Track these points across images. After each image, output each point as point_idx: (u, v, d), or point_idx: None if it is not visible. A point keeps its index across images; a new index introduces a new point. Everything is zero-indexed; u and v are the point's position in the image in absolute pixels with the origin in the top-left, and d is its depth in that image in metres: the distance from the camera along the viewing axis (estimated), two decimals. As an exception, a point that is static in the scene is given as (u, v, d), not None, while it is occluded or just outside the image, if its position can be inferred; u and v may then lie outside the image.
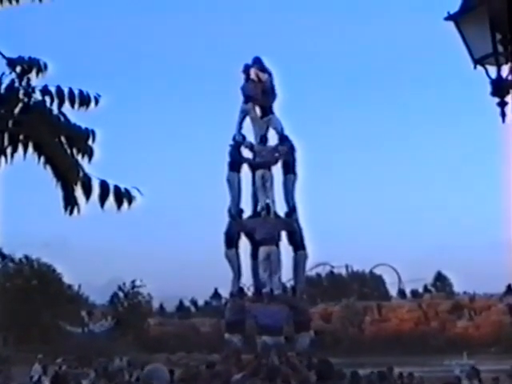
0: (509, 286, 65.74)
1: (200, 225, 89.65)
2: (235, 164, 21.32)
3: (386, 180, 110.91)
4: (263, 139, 21.69)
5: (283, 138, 21.58)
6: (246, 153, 21.68)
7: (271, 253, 20.42)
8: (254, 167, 21.34)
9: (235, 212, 20.96)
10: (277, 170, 21.43)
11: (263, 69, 21.99)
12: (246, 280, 21.42)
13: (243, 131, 21.83)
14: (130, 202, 4.10)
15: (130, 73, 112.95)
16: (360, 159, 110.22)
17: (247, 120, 21.96)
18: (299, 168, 21.56)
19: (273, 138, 21.87)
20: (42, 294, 54.27)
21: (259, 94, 21.76)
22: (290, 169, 21.28)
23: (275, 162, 21.32)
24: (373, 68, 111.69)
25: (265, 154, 21.29)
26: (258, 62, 22.12)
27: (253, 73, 21.85)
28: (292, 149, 21.43)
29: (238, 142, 21.54)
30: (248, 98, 21.83)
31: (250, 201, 21.42)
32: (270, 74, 22.07)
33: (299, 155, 21.65)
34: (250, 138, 21.77)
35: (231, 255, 20.73)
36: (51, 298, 54.45)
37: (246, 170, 21.55)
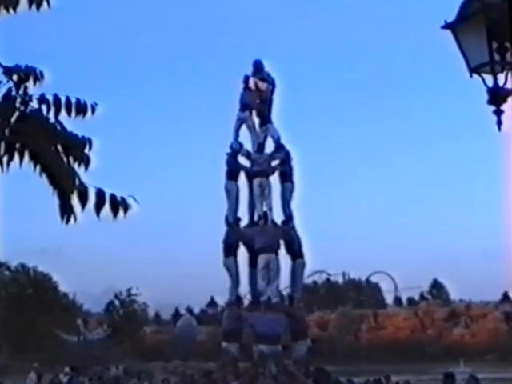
0: (505, 294, 65.58)
1: (196, 233, 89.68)
2: (232, 172, 21.29)
3: (382, 188, 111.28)
4: (260, 147, 21.67)
5: (279, 147, 21.57)
6: (243, 161, 21.65)
7: (270, 261, 20.36)
8: (251, 175, 21.31)
9: (232, 220, 20.90)
10: (274, 179, 21.41)
11: (264, 78, 21.88)
12: (243, 288, 21.37)
13: (241, 139, 21.81)
14: (125, 211, 4.08)
15: (127, 81, 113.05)
16: (357, 167, 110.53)
17: (245, 128, 21.93)
18: (296, 176, 21.55)
19: (270, 147, 21.87)
20: (38, 302, 54.05)
21: (256, 102, 21.73)
22: (287, 177, 21.25)
23: (272, 171, 21.29)
24: (371, 77, 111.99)
25: (262, 163, 21.26)
26: (260, 70, 22.00)
27: (251, 82, 21.81)
28: (288, 157, 21.41)
29: (235, 151, 21.51)
30: (244, 106, 21.81)
31: (247, 209, 21.36)
32: (272, 84, 21.94)
33: (296, 164, 21.65)
34: (248, 146, 21.75)
35: (229, 263, 20.66)
36: (47, 307, 54.24)
37: (243, 178, 21.51)
